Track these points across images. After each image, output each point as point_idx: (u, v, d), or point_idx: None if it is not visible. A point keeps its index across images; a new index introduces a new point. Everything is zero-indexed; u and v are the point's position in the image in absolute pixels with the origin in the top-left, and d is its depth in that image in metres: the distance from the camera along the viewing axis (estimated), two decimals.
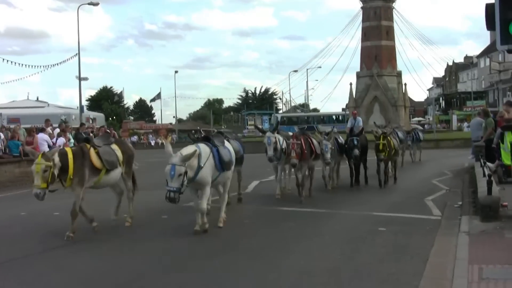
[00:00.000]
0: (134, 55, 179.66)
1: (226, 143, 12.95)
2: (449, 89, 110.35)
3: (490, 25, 12.35)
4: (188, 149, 11.31)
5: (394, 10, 73.14)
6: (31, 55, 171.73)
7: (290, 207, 14.97)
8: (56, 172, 10.94)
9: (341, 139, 19.87)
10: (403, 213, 13.80)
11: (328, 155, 16.91)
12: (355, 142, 18.75)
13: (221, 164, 12.03)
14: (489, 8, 12.21)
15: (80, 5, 43.63)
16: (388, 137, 19.44)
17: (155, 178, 15.96)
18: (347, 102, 74.51)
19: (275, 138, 15.91)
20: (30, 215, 12.18)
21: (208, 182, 11.73)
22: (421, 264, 8.86)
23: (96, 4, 43.56)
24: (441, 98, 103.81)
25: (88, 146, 11.99)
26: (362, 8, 72.63)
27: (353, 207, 15.08)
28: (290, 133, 17.18)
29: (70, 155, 11.37)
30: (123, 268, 9.22)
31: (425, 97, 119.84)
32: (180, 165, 10.70)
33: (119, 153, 12.62)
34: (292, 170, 16.73)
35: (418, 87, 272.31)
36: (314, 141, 16.86)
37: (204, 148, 11.76)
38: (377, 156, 18.91)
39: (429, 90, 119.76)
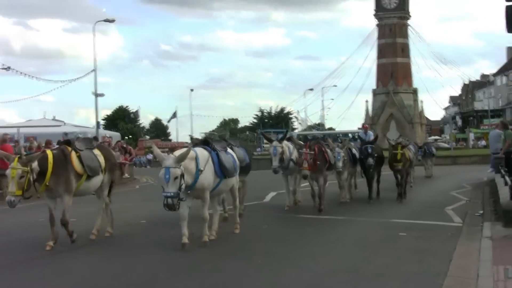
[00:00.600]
0: (149, 76, 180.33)
1: (229, 150, 12.03)
2: (466, 107, 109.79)
3: (510, 27, 12.19)
4: (182, 150, 10.35)
5: (409, 27, 73.08)
6: (46, 75, 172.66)
7: (307, 214, 14.69)
8: (33, 178, 10.07)
9: (355, 151, 18.44)
10: (423, 220, 13.57)
11: (340, 163, 15.98)
12: (369, 150, 17.45)
13: (222, 170, 10.97)
14: (509, 9, 12.07)
15: (97, 22, 43.76)
16: (404, 148, 18.41)
17: None
18: (362, 121, 74.21)
19: (282, 148, 15.04)
20: (48, 220, 11.94)
21: (207, 188, 10.66)
22: (445, 265, 8.67)
23: (112, 21, 43.66)
24: (457, 117, 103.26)
25: (70, 149, 11.07)
26: (377, 25, 72.49)
27: (371, 214, 14.86)
28: None
29: (50, 159, 10.48)
30: (135, 270, 9.03)
31: (442, 116, 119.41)
32: (175, 167, 9.61)
33: (101, 159, 11.64)
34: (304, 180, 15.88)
35: (434, 106, 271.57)
36: (329, 151, 15.79)
37: (201, 152, 10.73)
38: (394, 166, 17.61)
39: (445, 109, 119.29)
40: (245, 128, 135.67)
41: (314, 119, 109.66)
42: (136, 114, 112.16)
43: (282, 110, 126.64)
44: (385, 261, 9.19)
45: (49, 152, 10.72)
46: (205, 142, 11.48)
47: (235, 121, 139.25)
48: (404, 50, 71.51)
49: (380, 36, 72.25)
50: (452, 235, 11.51)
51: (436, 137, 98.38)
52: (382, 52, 71.63)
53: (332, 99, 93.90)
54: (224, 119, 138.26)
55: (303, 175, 14.53)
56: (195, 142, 12.12)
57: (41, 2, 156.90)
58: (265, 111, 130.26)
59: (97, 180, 11.50)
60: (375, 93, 72.58)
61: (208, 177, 10.59)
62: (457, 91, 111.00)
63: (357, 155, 18.19)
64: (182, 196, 9.78)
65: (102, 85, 41.34)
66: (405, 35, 72.11)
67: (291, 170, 15.77)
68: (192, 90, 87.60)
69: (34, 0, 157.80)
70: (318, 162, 14.78)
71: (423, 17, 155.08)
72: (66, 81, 44.09)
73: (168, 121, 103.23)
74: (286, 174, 16.05)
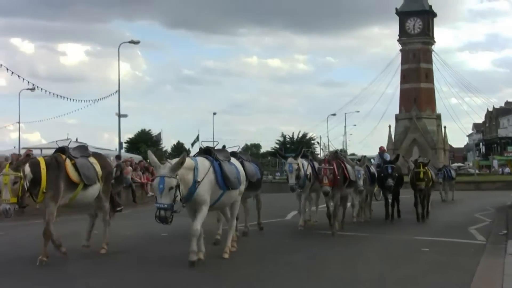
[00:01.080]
0: (171, 100, 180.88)
1: (233, 160, 11.08)
2: (489, 134, 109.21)
3: None
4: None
5: (433, 53, 73.09)
6: (70, 98, 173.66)
7: (330, 230, 14.54)
8: (26, 184, 9.37)
9: (374, 169, 17.97)
10: (446, 238, 13.50)
11: (361, 182, 15.47)
12: (389, 170, 16.84)
13: (225, 181, 10.07)
14: None
15: (122, 43, 44.01)
16: (426, 167, 17.64)
17: None
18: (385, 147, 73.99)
19: (298, 164, 14.31)
20: (72, 233, 11.83)
21: (205, 201, 9.68)
22: (468, 277, 8.61)
23: (137, 42, 43.63)
24: (481, 144, 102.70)
25: (63, 156, 10.32)
26: (401, 50, 72.69)
27: (392, 232, 14.90)
28: None
29: (42, 165, 9.80)
30: (152, 278, 8.96)
31: (465, 143, 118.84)
32: (170, 177, 8.83)
33: (97, 167, 10.90)
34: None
35: (457, 133, 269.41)
36: (348, 167, 14.76)
37: (202, 162, 9.91)
38: (417, 186, 16.78)
39: (468, 136, 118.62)
40: (267, 153, 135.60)
41: (336, 145, 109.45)
42: (158, 137, 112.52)
43: (304, 135, 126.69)
44: (409, 272, 9.17)
45: (41, 159, 10.06)
46: (207, 151, 10.57)
47: (257, 146, 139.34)
48: (428, 76, 71.52)
49: (403, 61, 72.38)
50: (476, 251, 11.41)
51: (459, 164, 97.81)
52: (405, 77, 71.68)
53: (355, 125, 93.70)
54: (246, 144, 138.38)
55: (323, 192, 13.37)
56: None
57: (65, 26, 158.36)
58: (287, 136, 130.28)
59: (94, 189, 10.81)
60: (398, 118, 72.51)
61: (207, 189, 9.73)
62: (481, 118, 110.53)
63: (376, 174, 17.76)
64: (176, 209, 9.03)
65: (125, 109, 41.72)
66: (429, 60, 72.15)
67: (305, 189, 15.20)
68: (215, 113, 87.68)
69: (59, 24, 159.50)
70: (338, 177, 13.64)
71: (447, 43, 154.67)
72: (90, 100, 44.14)
73: (192, 145, 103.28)
74: (300, 192, 15.31)
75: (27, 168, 9.48)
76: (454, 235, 14.00)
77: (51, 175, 9.82)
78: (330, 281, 8.47)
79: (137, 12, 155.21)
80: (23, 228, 14.89)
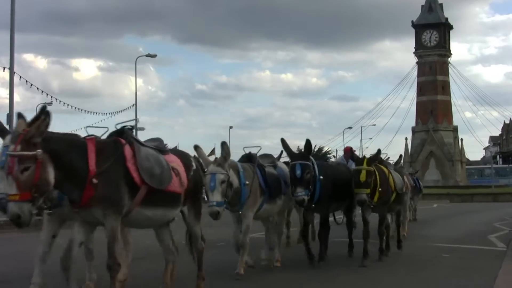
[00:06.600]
0: (185, 115, 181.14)
1: None
2: (507, 147, 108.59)
3: None
4: None
5: (450, 65, 73.02)
6: (87, 111, 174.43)
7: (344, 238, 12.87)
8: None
9: (283, 168, 10.13)
10: (466, 245, 13.46)
11: (217, 196, 8.09)
12: (298, 172, 9.16)
13: None
14: None
15: (138, 57, 44.12)
16: (382, 166, 10.90)
17: None
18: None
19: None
20: None
21: None
22: (490, 280, 8.57)
23: (154, 56, 43.43)
24: (498, 156, 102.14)
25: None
26: (417, 63, 72.69)
27: (411, 239, 14.55)
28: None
29: None
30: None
31: (482, 156, 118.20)
32: None
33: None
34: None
35: (474, 146, 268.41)
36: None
37: None
38: (356, 194, 9.78)
39: (485, 149, 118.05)
40: None
41: None
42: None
43: (320, 149, 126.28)
44: (430, 275, 9.15)
45: None
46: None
47: None
48: (445, 88, 71.45)
49: (420, 74, 72.38)
50: (497, 257, 11.36)
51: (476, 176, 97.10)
52: (422, 89, 71.65)
53: (371, 138, 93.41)
54: None
55: None
56: None
57: (78, 42, 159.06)
58: (303, 150, 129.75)
59: None
60: (414, 130, 72.38)
61: None
62: (498, 130, 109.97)
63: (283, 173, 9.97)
64: None
65: (139, 124, 41.30)
66: (445, 72, 72.11)
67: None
68: (231, 127, 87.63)
69: (71, 40, 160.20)
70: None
71: (460, 56, 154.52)
72: (107, 113, 43.33)
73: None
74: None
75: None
76: (474, 242, 13.95)
77: None
78: (351, 283, 8.46)
79: (150, 27, 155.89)
80: None
